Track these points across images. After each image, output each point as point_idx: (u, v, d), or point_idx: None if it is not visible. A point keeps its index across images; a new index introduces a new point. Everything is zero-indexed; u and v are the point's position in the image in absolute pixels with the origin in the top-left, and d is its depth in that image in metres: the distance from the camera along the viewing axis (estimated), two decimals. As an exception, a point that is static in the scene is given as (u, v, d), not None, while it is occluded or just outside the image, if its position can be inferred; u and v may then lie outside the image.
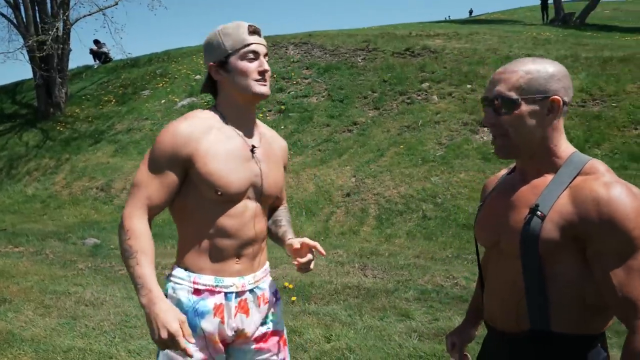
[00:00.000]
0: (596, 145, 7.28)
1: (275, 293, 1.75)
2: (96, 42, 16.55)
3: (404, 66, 10.50)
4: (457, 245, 5.90)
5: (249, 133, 1.62)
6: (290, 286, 4.62)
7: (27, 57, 12.71)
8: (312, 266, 1.62)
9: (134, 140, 10.72)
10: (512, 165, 1.46)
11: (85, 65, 16.94)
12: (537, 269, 1.20)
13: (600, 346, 1.24)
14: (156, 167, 1.50)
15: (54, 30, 11.88)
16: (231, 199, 1.54)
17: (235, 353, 1.67)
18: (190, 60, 13.53)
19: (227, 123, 1.58)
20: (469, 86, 9.32)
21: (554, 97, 1.20)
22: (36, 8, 12.89)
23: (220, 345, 1.59)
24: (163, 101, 11.77)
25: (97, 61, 16.61)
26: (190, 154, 1.49)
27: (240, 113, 1.60)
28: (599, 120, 7.61)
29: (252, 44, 1.53)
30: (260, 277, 1.67)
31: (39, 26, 12.46)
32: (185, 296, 1.55)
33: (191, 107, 11.02)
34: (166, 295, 1.53)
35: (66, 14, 12.59)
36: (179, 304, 1.54)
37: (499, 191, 1.37)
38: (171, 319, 1.35)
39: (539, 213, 1.19)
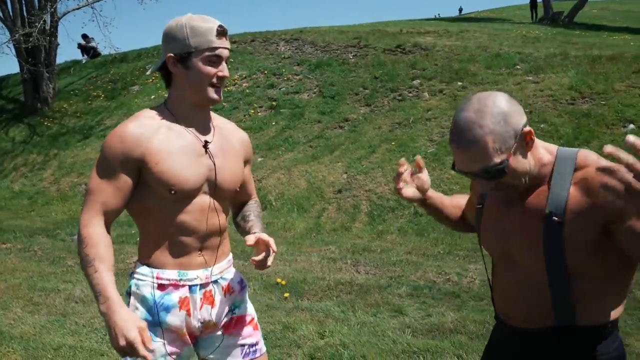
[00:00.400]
0: (585, 142, 7.34)
1: (240, 282, 1.74)
2: (84, 36, 16.36)
3: (395, 63, 10.50)
4: (449, 242, 5.92)
5: (201, 128, 1.59)
6: (283, 282, 4.60)
7: (13, 50, 12.53)
8: (269, 263, 1.57)
9: (123, 136, 10.61)
10: None
11: (73, 60, 16.73)
12: (564, 273, 1.20)
13: (616, 330, 1.27)
14: (108, 172, 1.48)
15: (41, 22, 11.71)
16: (186, 195, 1.53)
17: (203, 343, 1.68)
18: (180, 56, 13.41)
19: (177, 120, 1.55)
20: (459, 83, 9.35)
21: (524, 130, 1.19)
22: (23, 1, 12.70)
23: (188, 338, 1.61)
24: (153, 97, 11.67)
25: (86, 56, 16.42)
26: (141, 155, 1.47)
27: (191, 109, 1.57)
28: (588, 118, 7.67)
29: (218, 48, 1.49)
30: (224, 268, 1.67)
31: (26, 19, 12.27)
32: (150, 292, 1.55)
33: (181, 103, 10.93)
34: (129, 293, 1.57)
35: (54, 7, 12.41)
36: (143, 300, 1.56)
37: (497, 198, 1.35)
38: (130, 327, 1.37)
39: (555, 219, 1.18)
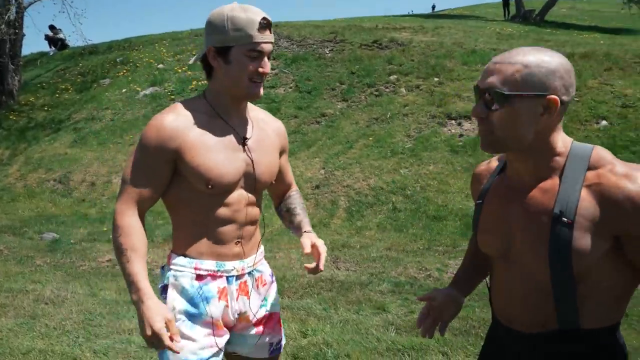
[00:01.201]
0: (560, 138, 7.44)
1: (271, 275, 1.77)
2: (52, 27, 15.83)
3: (371, 58, 10.47)
4: (428, 237, 5.92)
5: (240, 122, 1.59)
6: (263, 280, 4.51)
7: (-24, 42, 12.00)
8: (322, 268, 1.58)
9: (93, 131, 10.29)
10: (500, 156, 1.36)
11: (40, 52, 16.18)
12: (569, 277, 1.13)
13: (619, 331, 1.22)
14: (143, 162, 1.48)
15: (7, 14, 11.26)
16: (224, 190, 1.53)
17: (237, 340, 1.69)
18: (153, 49, 13.12)
19: (216, 113, 1.54)
20: (436, 79, 9.37)
21: (550, 96, 1.08)
22: (-14, -10, 12.17)
23: (225, 329, 1.61)
24: (124, 90, 11.34)
25: (53, 48, 15.89)
26: (176, 148, 1.46)
27: (230, 103, 1.56)
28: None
29: (260, 43, 1.45)
30: (258, 260, 1.69)
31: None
32: (189, 282, 1.55)
33: (154, 98, 10.68)
34: (165, 286, 1.56)
35: (19, -3, 11.95)
36: (183, 291, 1.55)
37: (498, 195, 1.28)
38: (157, 318, 1.36)
39: (565, 220, 1.10)
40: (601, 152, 1.14)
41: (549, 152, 1.15)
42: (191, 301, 1.54)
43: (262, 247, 1.74)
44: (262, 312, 1.70)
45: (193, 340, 1.50)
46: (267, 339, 1.71)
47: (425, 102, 8.81)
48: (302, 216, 1.77)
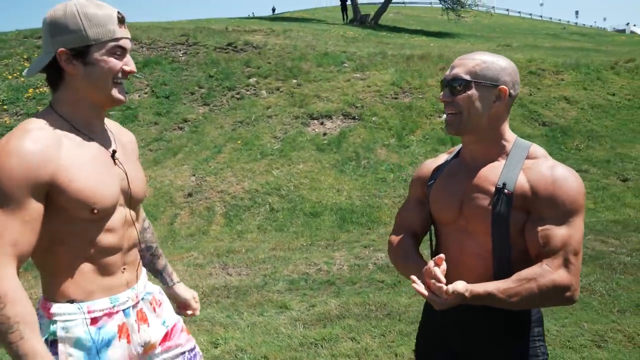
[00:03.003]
0: (411, 132, 8.26)
1: (160, 291, 1.66)
2: None
3: (228, 61, 10.43)
4: (309, 234, 6.15)
5: (102, 135, 1.42)
6: (154, 297, 4.29)
7: None
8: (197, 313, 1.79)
9: None
10: (452, 150, 1.62)
11: None
12: (506, 239, 1.36)
13: None
14: (10, 203, 1.18)
15: None
16: (107, 212, 1.36)
17: None
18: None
19: (75, 128, 1.33)
20: (294, 81, 9.70)
21: (502, 87, 1.38)
22: None
23: None
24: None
25: None
26: (50, 175, 1.23)
27: (90, 113, 1.37)
28: (410, 110, 8.64)
29: (121, 38, 1.32)
30: (145, 282, 1.58)
31: None
32: (83, 330, 1.34)
33: (-19, 108, 9.33)
34: (53, 342, 1.32)
35: None
36: (77, 342, 1.34)
37: (451, 173, 1.51)
38: None
39: (506, 191, 1.35)
40: (538, 148, 1.45)
41: (499, 138, 1.43)
42: (89, 352, 1.35)
43: (144, 268, 1.62)
44: (163, 331, 1.57)
45: None
46: (178, 350, 1.59)
47: (287, 103, 9.07)
48: (164, 259, 1.71)
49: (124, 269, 1.44)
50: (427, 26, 24.06)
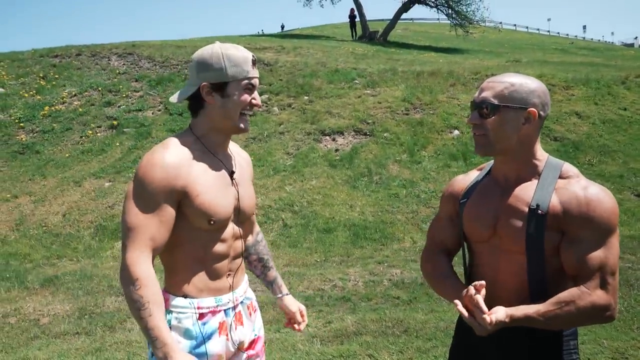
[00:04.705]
0: (423, 148, 8.29)
1: (255, 300, 1.82)
2: None
3: (240, 78, 10.56)
4: (322, 250, 6.17)
5: (226, 157, 1.65)
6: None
7: None
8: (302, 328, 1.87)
9: None
10: (482, 166, 1.64)
11: None
12: (541, 257, 1.38)
13: None
14: (152, 204, 1.45)
15: None
16: (222, 225, 1.58)
17: None
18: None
19: (207, 148, 1.58)
20: (306, 97, 9.79)
21: (531, 109, 1.40)
22: None
23: None
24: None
25: None
26: (184, 186, 1.48)
27: (219, 138, 1.61)
28: (422, 126, 8.68)
29: (253, 77, 1.55)
30: (245, 288, 1.74)
31: None
32: (192, 323, 1.56)
33: (-2, 126, 9.49)
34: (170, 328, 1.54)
35: None
36: (186, 332, 1.56)
37: (484, 191, 1.53)
38: None
39: (540, 212, 1.37)
40: (570, 167, 1.46)
41: (530, 158, 1.45)
42: (196, 341, 1.56)
43: (246, 276, 1.78)
44: (252, 337, 1.75)
45: None
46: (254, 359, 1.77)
47: (299, 120, 9.15)
48: (275, 272, 1.89)
49: (228, 274, 1.63)
50: (435, 42, 24.22)
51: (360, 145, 8.41)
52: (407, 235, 6.48)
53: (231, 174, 1.61)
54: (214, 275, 1.59)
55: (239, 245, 1.67)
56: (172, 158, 1.47)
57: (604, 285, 1.32)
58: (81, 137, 9.20)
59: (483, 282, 1.38)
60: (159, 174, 1.44)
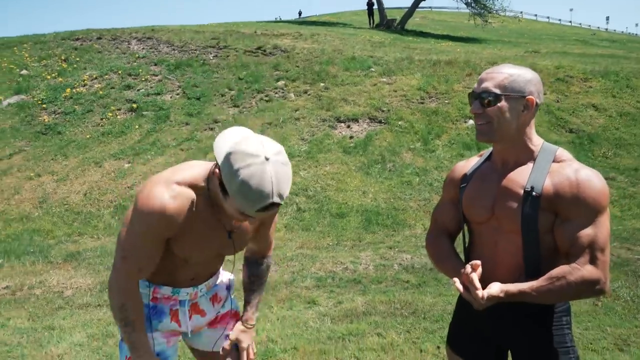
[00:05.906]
0: (437, 137, 8.34)
1: (227, 288, 1.92)
2: None
3: (257, 64, 10.66)
4: (335, 234, 6.30)
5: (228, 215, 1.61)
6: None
7: None
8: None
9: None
10: (482, 153, 1.75)
11: None
12: (535, 236, 1.49)
13: None
14: (148, 240, 1.54)
15: None
16: (196, 261, 1.68)
17: (193, 338, 1.86)
18: (13, 53, 11.90)
19: (211, 202, 1.56)
20: (322, 84, 9.87)
21: (529, 97, 1.49)
22: None
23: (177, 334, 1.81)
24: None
25: None
26: (175, 233, 1.56)
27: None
28: (437, 115, 8.71)
29: (252, 217, 1.45)
30: (212, 283, 1.84)
31: None
32: (146, 303, 1.71)
33: (22, 107, 9.74)
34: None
35: None
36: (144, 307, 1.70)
37: (483, 176, 1.63)
38: None
39: (534, 194, 1.47)
40: (564, 152, 1.56)
41: (527, 143, 1.55)
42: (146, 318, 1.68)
43: (219, 274, 1.88)
44: (214, 315, 1.85)
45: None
46: (222, 332, 1.85)
47: (314, 106, 9.24)
48: (258, 298, 1.89)
49: (192, 279, 1.74)
50: (453, 31, 24.01)
51: (374, 133, 8.48)
52: (418, 222, 6.58)
53: (229, 232, 1.62)
54: (178, 283, 1.71)
55: (214, 267, 1.78)
56: (173, 210, 1.49)
57: (593, 261, 1.42)
58: (101, 119, 9.41)
59: (479, 262, 1.49)
60: (157, 219, 1.48)
